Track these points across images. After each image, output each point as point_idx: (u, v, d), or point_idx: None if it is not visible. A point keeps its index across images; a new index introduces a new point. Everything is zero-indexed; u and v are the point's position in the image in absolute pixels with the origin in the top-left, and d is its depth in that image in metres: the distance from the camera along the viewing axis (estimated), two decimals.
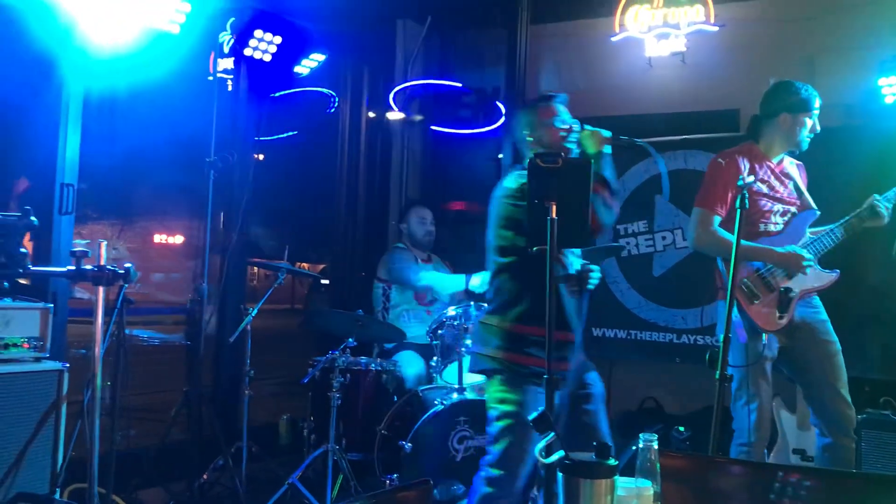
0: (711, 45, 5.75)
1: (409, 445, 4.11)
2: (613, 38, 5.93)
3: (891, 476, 2.26)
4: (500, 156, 5.97)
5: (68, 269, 2.14)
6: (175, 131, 6.34)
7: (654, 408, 5.63)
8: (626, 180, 5.57)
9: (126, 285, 2.52)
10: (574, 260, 3.09)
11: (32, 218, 2.03)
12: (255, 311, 4.52)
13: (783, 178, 3.72)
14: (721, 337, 2.78)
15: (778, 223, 3.66)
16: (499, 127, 5.90)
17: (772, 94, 3.78)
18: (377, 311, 5.26)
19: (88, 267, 2.14)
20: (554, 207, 2.39)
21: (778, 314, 3.54)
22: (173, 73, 4.95)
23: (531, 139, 3.16)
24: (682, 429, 5.05)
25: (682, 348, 5.35)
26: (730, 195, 3.61)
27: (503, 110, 5.86)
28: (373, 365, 4.64)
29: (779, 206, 3.66)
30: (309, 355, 4.79)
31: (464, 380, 4.35)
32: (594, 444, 1.76)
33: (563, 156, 2.44)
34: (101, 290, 2.18)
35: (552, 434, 1.82)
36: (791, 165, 3.80)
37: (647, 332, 5.48)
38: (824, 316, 3.59)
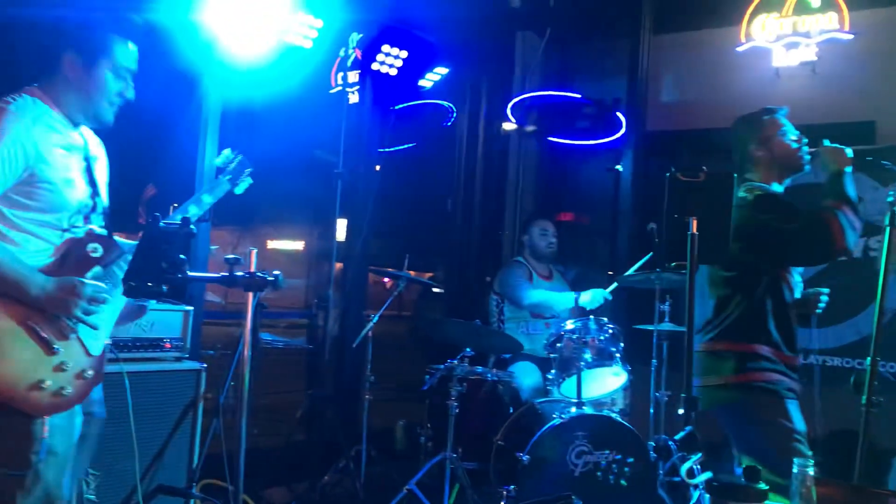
0: (845, 54, 5.51)
1: (526, 457, 4.09)
2: (739, 48, 5.77)
3: None
4: (619, 167, 5.90)
5: (222, 275, 2.25)
6: (300, 141, 6.58)
7: None
8: None
9: (263, 291, 2.62)
10: (799, 282, 3.02)
11: (192, 227, 2.15)
12: (377, 317, 4.62)
13: None
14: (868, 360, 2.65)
15: None
16: (619, 138, 5.83)
17: None
18: (492, 323, 5.28)
19: (240, 273, 2.23)
20: (695, 223, 2.35)
21: None
22: (302, 86, 5.15)
23: (759, 154, 3.08)
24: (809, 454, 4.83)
25: (812, 370, 5.12)
26: None
27: (623, 121, 5.79)
28: (489, 375, 4.65)
29: None
30: (421, 362, 4.86)
31: (583, 394, 4.31)
32: (744, 468, 1.72)
33: (704, 169, 2.39)
34: (250, 295, 2.27)
35: (699, 454, 1.79)
36: None
37: None
38: None
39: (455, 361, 4.42)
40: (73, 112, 2.40)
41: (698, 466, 1.77)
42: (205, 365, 3.68)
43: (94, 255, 2.34)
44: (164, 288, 2.21)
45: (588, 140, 5.94)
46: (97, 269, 2.34)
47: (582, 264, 5.89)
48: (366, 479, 4.56)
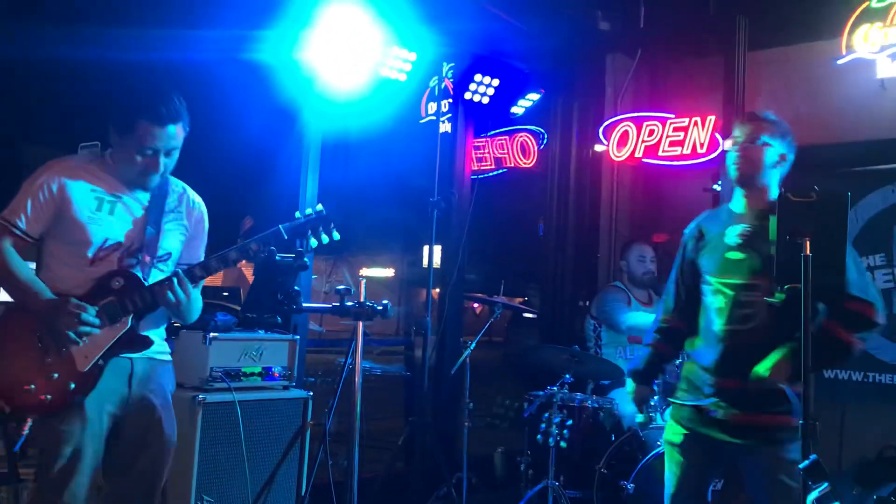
0: None
1: (631, 486, 4.02)
2: (840, 61, 5.58)
3: None
4: (716, 186, 5.78)
5: (334, 305, 2.32)
6: (392, 171, 6.70)
7: None
8: (860, 209, 5.20)
9: (367, 320, 2.68)
10: None
11: (305, 259, 2.23)
12: (474, 344, 4.64)
13: None
14: None
15: None
16: (715, 157, 5.71)
17: None
18: (589, 348, 5.23)
19: (350, 303, 2.30)
20: (808, 244, 2.28)
21: None
22: (395, 117, 5.27)
23: None
24: None
25: None
26: None
27: (720, 140, 5.67)
28: (589, 402, 4.60)
29: None
30: (515, 390, 4.84)
31: None
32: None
33: (816, 189, 2.33)
34: (360, 324, 2.33)
35: (826, 484, 1.73)
36: None
37: (888, 375, 5.04)
38: None
39: (555, 388, 4.40)
40: (120, 173, 2.59)
41: (826, 495, 1.71)
42: (311, 393, 3.77)
43: (114, 286, 2.50)
44: (280, 319, 2.28)
45: (683, 160, 5.84)
46: (111, 298, 2.48)
47: None
48: None
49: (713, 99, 5.94)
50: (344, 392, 3.93)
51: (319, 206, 2.57)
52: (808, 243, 2.29)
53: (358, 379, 2.41)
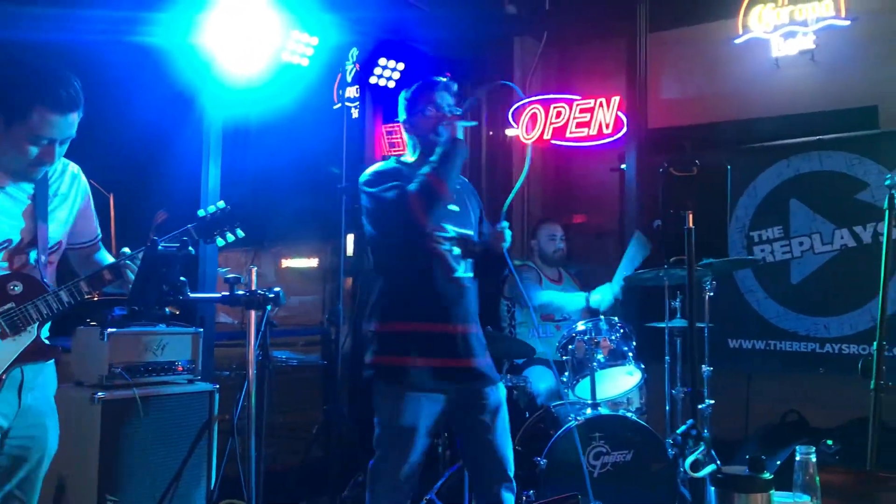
0: (843, 40, 5.48)
1: (544, 462, 4.09)
2: (737, 41, 5.76)
3: None
4: (623, 166, 5.90)
5: (223, 295, 2.27)
6: (304, 158, 6.61)
7: (798, 421, 5.37)
8: (759, 184, 5.38)
9: (271, 309, 2.64)
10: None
11: (190, 248, 2.18)
12: None
13: None
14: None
15: None
16: (621, 137, 5.83)
17: None
18: (504, 328, 5.28)
19: (241, 292, 2.26)
20: (691, 217, 2.35)
21: None
22: (302, 103, 5.19)
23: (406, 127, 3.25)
24: (830, 442, 4.79)
25: (827, 358, 5.10)
26: None
27: (625, 120, 5.78)
28: (505, 381, 4.65)
29: None
30: None
31: (598, 395, 4.30)
32: (746, 457, 1.72)
33: (697, 163, 2.40)
34: (252, 314, 2.29)
35: (703, 447, 1.79)
36: None
37: (788, 343, 5.25)
38: None
39: None
40: (4, 164, 2.38)
41: (703, 458, 1.77)
42: (217, 386, 3.71)
43: (12, 291, 2.34)
44: (167, 311, 2.23)
45: (591, 141, 5.93)
46: (10, 305, 2.32)
47: (592, 266, 5.89)
48: None
49: (618, 80, 6.05)
50: (256, 383, 3.89)
51: (221, 203, 2.50)
52: (690, 216, 2.36)
53: (251, 370, 2.37)
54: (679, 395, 4.67)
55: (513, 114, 6.15)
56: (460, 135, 3.02)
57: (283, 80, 4.65)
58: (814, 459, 1.65)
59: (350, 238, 5.37)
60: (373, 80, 5.02)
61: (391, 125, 5.84)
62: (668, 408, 4.56)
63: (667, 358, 4.56)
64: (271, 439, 4.72)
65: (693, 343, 2.35)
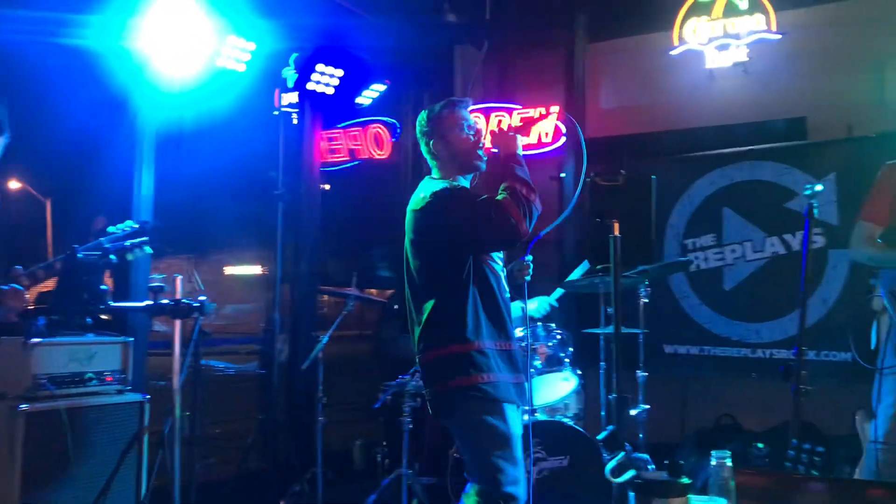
0: (774, 54, 5.65)
1: None
2: (672, 52, 5.88)
3: None
4: (563, 175, 5.96)
5: (146, 304, 2.23)
6: (243, 164, 6.53)
7: (731, 424, 5.49)
8: (693, 193, 5.49)
9: (202, 318, 2.61)
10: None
11: (112, 256, 2.13)
12: (326, 338, 4.60)
13: None
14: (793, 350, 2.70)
15: None
16: (560, 146, 5.89)
17: None
18: None
19: (165, 301, 2.22)
20: (616, 225, 2.39)
21: None
22: (241, 108, 5.14)
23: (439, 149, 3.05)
24: (760, 445, 4.91)
25: (758, 363, 5.22)
26: (886, 205, 3.54)
27: (563, 130, 5.85)
28: None
29: None
30: (380, 381, 4.84)
31: (535, 401, 4.32)
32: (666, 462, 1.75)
33: (623, 173, 2.44)
34: (177, 323, 2.26)
35: (623, 453, 1.81)
36: None
37: (721, 348, 5.36)
38: None
39: (407, 377, 4.42)
40: None
41: (626, 463, 1.79)
42: (148, 396, 3.63)
43: None
44: (96, 319, 2.17)
45: (530, 149, 5.98)
46: None
47: (542, 273, 5.93)
48: (324, 502, 4.52)
49: (558, 90, 6.13)
50: (190, 393, 3.83)
51: (130, 222, 2.43)
52: (616, 225, 2.40)
53: (176, 380, 2.33)
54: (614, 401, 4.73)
55: None
56: (520, 149, 2.97)
57: (221, 86, 4.60)
58: (729, 463, 1.69)
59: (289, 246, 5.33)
60: (311, 86, 4.99)
61: (331, 132, 5.82)
62: (603, 413, 4.61)
63: (602, 363, 4.62)
64: (207, 449, 4.64)
65: (618, 349, 2.38)
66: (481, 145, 2.99)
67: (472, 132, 2.98)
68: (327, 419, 4.69)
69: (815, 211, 2.81)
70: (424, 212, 2.83)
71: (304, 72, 4.94)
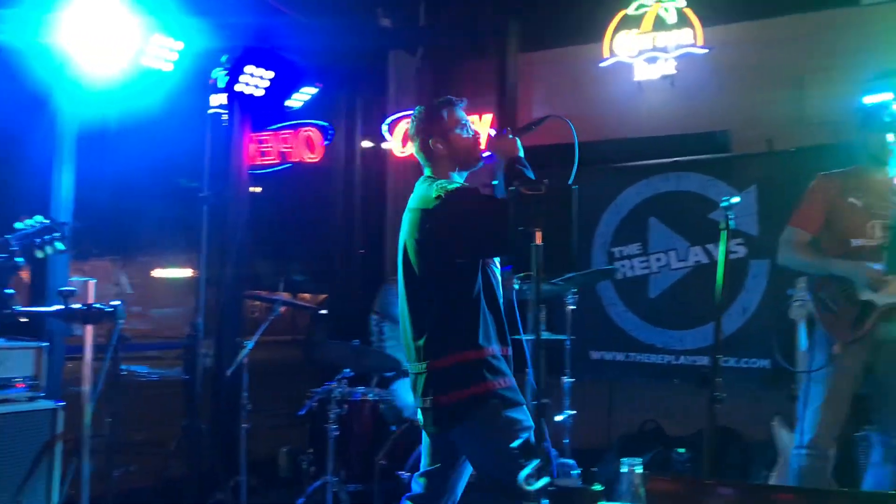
0: (700, 68, 5.80)
1: (407, 475, 4.08)
2: (602, 64, 5.98)
3: (881, 493, 2.25)
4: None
5: (56, 309, 2.15)
6: (172, 166, 6.40)
7: (655, 430, 5.60)
8: (620, 203, 5.60)
9: (121, 322, 2.53)
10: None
11: (18, 259, 2.05)
12: (252, 344, 4.53)
13: (893, 193, 3.61)
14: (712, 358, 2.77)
15: (876, 238, 3.57)
16: (490, 154, 5.91)
17: (865, 115, 3.78)
18: (373, 343, 5.26)
19: (77, 306, 2.15)
20: (539, 234, 2.40)
21: (852, 326, 3.53)
22: (169, 108, 5.02)
23: (439, 147, 3.04)
24: (682, 451, 5.02)
25: (681, 369, 5.34)
26: (818, 214, 3.68)
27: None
28: (370, 395, 4.63)
29: (877, 222, 3.60)
30: (309, 387, 4.79)
31: None
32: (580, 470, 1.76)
33: (546, 182, 2.46)
34: (89, 328, 2.18)
35: (537, 461, 1.83)
36: None
37: (646, 354, 5.47)
38: None
39: (333, 384, 4.39)
40: None
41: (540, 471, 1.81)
42: (62, 403, 3.50)
43: None
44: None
45: None
46: None
47: None
48: None
49: (491, 98, 6.17)
50: (112, 399, 3.72)
51: (40, 217, 2.35)
52: (538, 234, 2.42)
53: (88, 386, 2.26)
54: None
55: (388, 126, 6.16)
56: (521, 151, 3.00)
57: (148, 85, 4.48)
58: (639, 470, 1.72)
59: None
60: (240, 87, 4.91)
61: (261, 134, 5.74)
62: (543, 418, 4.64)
63: (529, 370, 4.65)
64: (128, 456, 4.52)
65: (540, 355, 2.40)
66: (501, 141, 3.03)
67: (472, 131, 3.04)
68: (253, 426, 4.62)
69: (731, 223, 2.88)
70: (437, 211, 2.75)
71: (234, 73, 4.86)
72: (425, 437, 2.97)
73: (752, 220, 5.13)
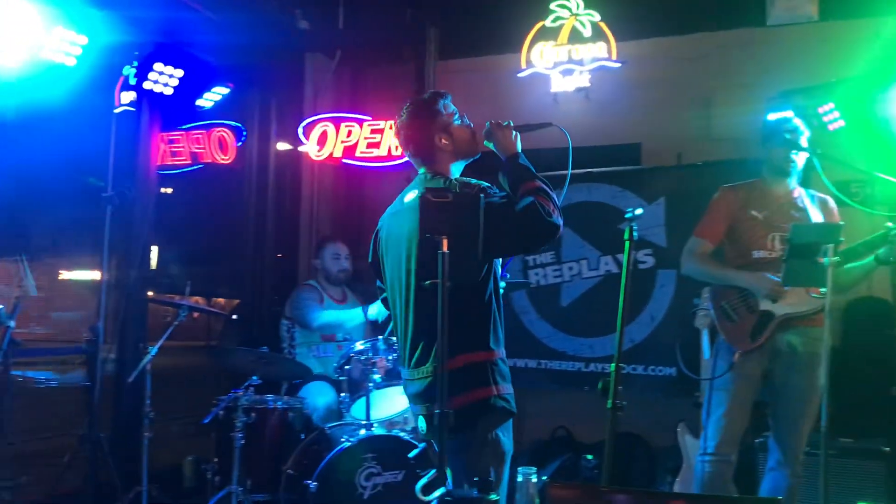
0: (614, 82, 5.92)
1: (314, 485, 4.01)
2: (520, 74, 6.04)
3: (769, 499, 2.31)
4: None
5: None
6: (78, 165, 6.16)
7: (565, 436, 5.68)
8: None
9: (11, 326, 2.41)
10: None
11: None
12: (155, 350, 4.40)
13: (791, 207, 3.78)
14: (612, 366, 2.81)
15: (776, 250, 3.69)
16: (408, 161, 5.90)
17: (768, 131, 3.89)
18: (284, 349, 5.18)
19: None
20: (445, 242, 2.39)
21: (751, 335, 3.64)
22: (73, 105, 4.84)
23: (444, 143, 3.01)
24: (590, 457, 5.10)
25: (591, 377, 5.43)
26: (721, 226, 3.80)
27: None
28: (279, 403, 4.54)
29: (777, 234, 3.71)
30: (218, 394, 4.66)
31: (371, 415, 4.29)
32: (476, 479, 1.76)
33: (453, 190, 2.46)
34: None
35: (433, 471, 1.81)
36: (808, 197, 3.85)
37: (557, 362, 5.53)
38: (819, 350, 3.28)
39: (240, 391, 4.29)
40: None
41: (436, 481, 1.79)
42: None
43: None
44: None
45: (381, 162, 5.98)
46: None
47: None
48: None
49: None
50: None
51: None
52: (445, 241, 2.41)
53: None
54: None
55: (303, 129, 6.08)
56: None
57: (49, 79, 4.30)
58: (534, 479, 1.72)
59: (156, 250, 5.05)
60: (148, 85, 4.75)
61: (172, 133, 5.58)
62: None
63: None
64: (18, 468, 4.32)
65: (444, 363, 2.38)
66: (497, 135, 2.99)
67: (468, 120, 3.03)
68: (158, 435, 4.48)
69: (635, 234, 2.94)
70: (452, 208, 2.54)
71: (142, 70, 4.70)
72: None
73: (660, 231, 5.26)
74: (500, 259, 2.96)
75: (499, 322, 2.78)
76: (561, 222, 2.71)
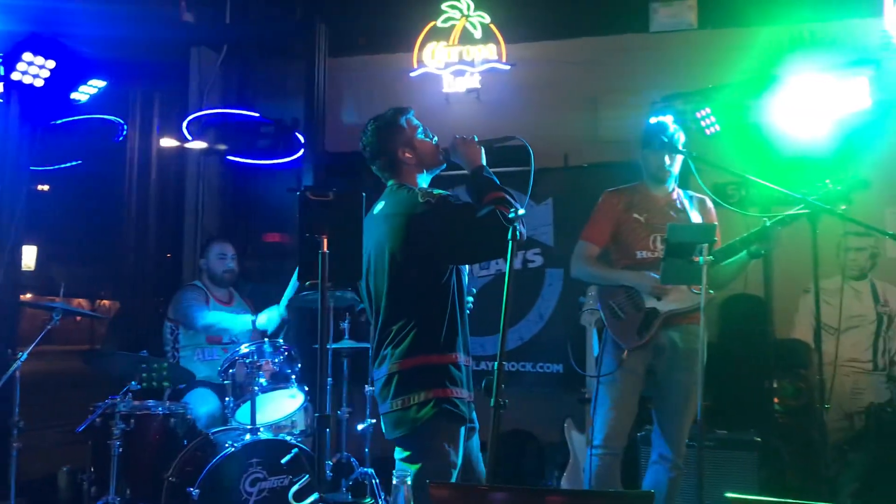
0: (504, 83, 6.00)
1: (196, 492, 3.88)
2: (412, 74, 6.05)
3: (638, 492, 2.38)
4: (303, 187, 5.90)
5: None
6: None
7: None
8: None
9: None
10: None
11: None
12: (25, 355, 4.16)
13: (670, 209, 3.88)
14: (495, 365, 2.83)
15: (658, 250, 3.78)
16: (299, 157, 5.82)
17: (646, 135, 3.98)
18: (167, 352, 5.00)
19: None
20: (325, 241, 2.36)
21: (638, 332, 3.74)
22: None
23: (408, 156, 3.08)
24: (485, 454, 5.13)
25: (483, 374, 5.42)
26: (606, 228, 3.90)
27: (302, 141, 5.79)
28: (160, 409, 4.37)
29: (658, 235, 3.80)
30: (96, 401, 4.45)
31: (257, 419, 4.19)
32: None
33: (334, 189, 2.42)
34: None
35: (307, 476, 1.77)
36: (686, 199, 3.95)
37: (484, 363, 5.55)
38: (697, 346, 3.40)
39: (118, 397, 4.11)
40: None
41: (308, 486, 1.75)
42: None
43: None
44: None
45: (268, 160, 5.86)
46: None
47: (269, 286, 5.79)
48: None
49: (298, 101, 6.05)
50: None
51: None
52: (325, 240, 2.37)
53: None
54: (344, 416, 4.73)
55: (187, 125, 5.88)
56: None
57: None
58: (409, 482, 1.70)
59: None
60: (16, 76, 4.48)
61: (45, 128, 5.25)
62: (328, 429, 4.57)
63: (329, 379, 4.59)
64: None
65: (324, 364, 2.35)
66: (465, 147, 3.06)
67: (431, 134, 3.14)
68: (28, 444, 4.24)
69: (518, 234, 2.97)
70: (422, 217, 2.77)
71: (9, 60, 4.43)
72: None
73: (548, 231, 5.36)
74: (466, 267, 3.09)
75: (459, 327, 2.90)
76: (523, 230, 2.77)
